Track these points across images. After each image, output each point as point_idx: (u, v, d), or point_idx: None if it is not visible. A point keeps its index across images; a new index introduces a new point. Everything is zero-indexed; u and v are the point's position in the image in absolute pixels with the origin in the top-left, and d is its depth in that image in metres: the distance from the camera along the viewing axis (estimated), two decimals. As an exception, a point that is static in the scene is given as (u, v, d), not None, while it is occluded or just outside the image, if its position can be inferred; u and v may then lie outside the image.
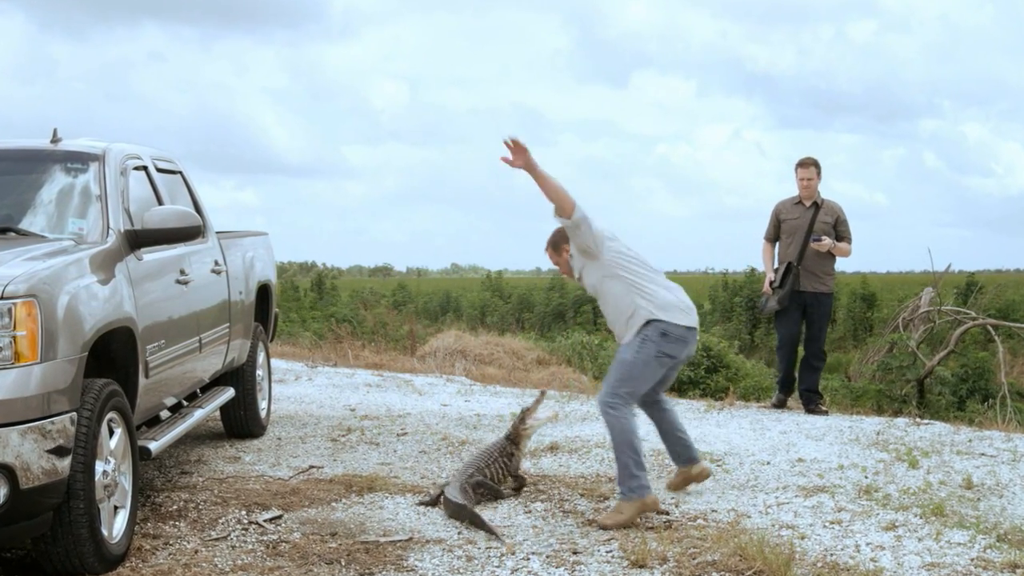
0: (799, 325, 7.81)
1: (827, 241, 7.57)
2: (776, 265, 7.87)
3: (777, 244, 7.93)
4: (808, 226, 7.64)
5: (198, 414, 5.46)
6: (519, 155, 4.52)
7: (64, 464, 3.64)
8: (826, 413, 7.75)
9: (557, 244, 5.01)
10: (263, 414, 6.95)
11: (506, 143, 4.53)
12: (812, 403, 7.78)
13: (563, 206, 4.62)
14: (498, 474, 5.20)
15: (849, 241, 7.79)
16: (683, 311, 4.76)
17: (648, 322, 4.69)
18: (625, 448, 4.64)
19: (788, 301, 7.67)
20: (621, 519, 4.56)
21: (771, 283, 7.78)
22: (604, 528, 4.52)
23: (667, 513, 4.81)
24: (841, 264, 8.05)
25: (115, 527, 4.07)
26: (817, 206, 7.71)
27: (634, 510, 4.58)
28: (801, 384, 7.89)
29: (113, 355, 4.29)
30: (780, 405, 7.97)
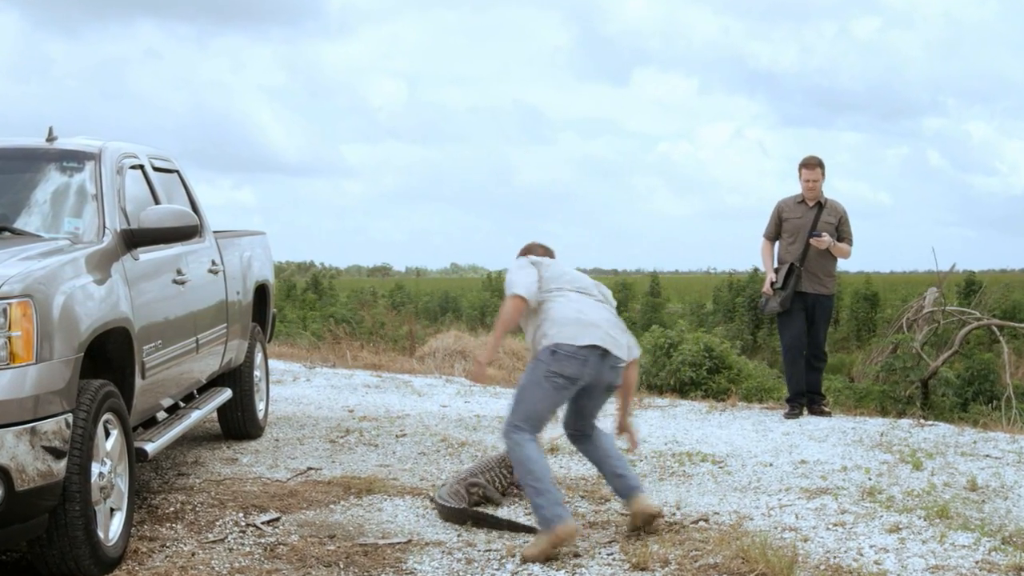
0: (804, 328, 7.65)
1: (826, 238, 7.48)
2: (776, 264, 7.76)
3: (777, 243, 7.82)
4: (811, 226, 7.58)
5: (195, 415, 5.46)
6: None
7: (60, 466, 3.64)
8: (829, 414, 7.71)
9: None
10: (261, 415, 6.95)
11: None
12: (815, 404, 7.74)
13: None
14: (496, 482, 5.20)
15: (850, 243, 7.73)
16: (580, 328, 4.37)
17: (543, 343, 4.44)
18: (525, 478, 4.34)
19: (791, 303, 7.57)
20: (535, 551, 4.23)
21: (772, 284, 7.66)
22: (525, 560, 4.19)
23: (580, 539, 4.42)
24: (844, 264, 7.99)
25: (111, 529, 4.07)
26: (821, 206, 7.64)
27: (545, 543, 4.22)
28: (805, 385, 7.78)
29: (109, 356, 4.30)
30: (796, 416, 7.63)
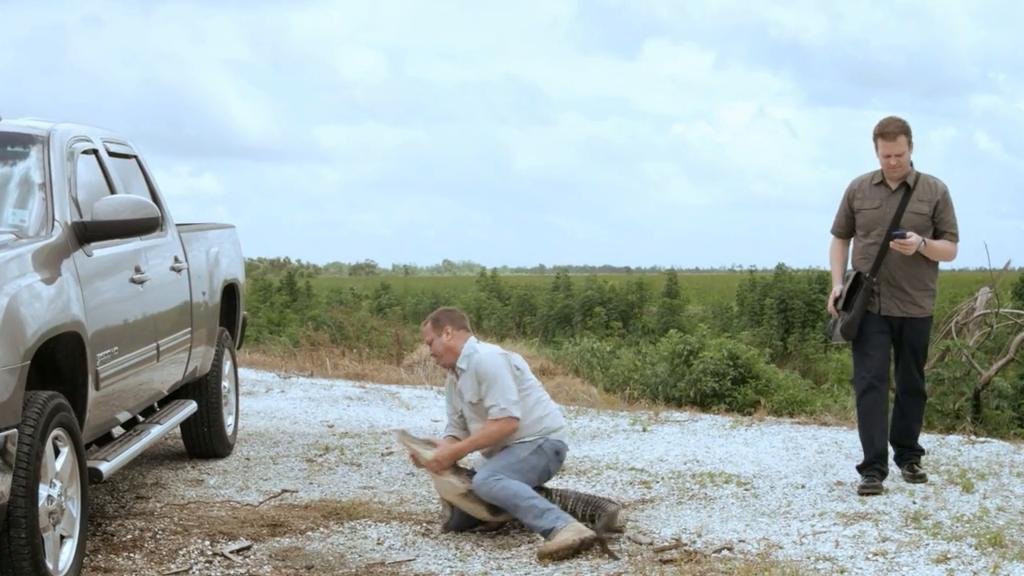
0: (886, 357, 5.98)
1: (914, 239, 5.73)
2: (849, 269, 6.09)
3: (852, 241, 6.10)
4: (894, 219, 5.83)
5: (156, 431, 5.46)
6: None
7: (3, 488, 3.64)
8: (924, 479, 6.02)
9: (439, 321, 5.27)
10: (229, 431, 6.96)
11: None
12: (905, 460, 6.13)
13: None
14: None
15: (953, 238, 5.94)
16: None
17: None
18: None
19: (858, 331, 5.90)
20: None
21: (835, 300, 6.02)
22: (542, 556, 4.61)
23: None
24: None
25: (61, 559, 4.07)
26: (908, 188, 5.88)
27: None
28: (891, 433, 6.09)
29: (59, 364, 4.30)
30: (874, 491, 5.76)
